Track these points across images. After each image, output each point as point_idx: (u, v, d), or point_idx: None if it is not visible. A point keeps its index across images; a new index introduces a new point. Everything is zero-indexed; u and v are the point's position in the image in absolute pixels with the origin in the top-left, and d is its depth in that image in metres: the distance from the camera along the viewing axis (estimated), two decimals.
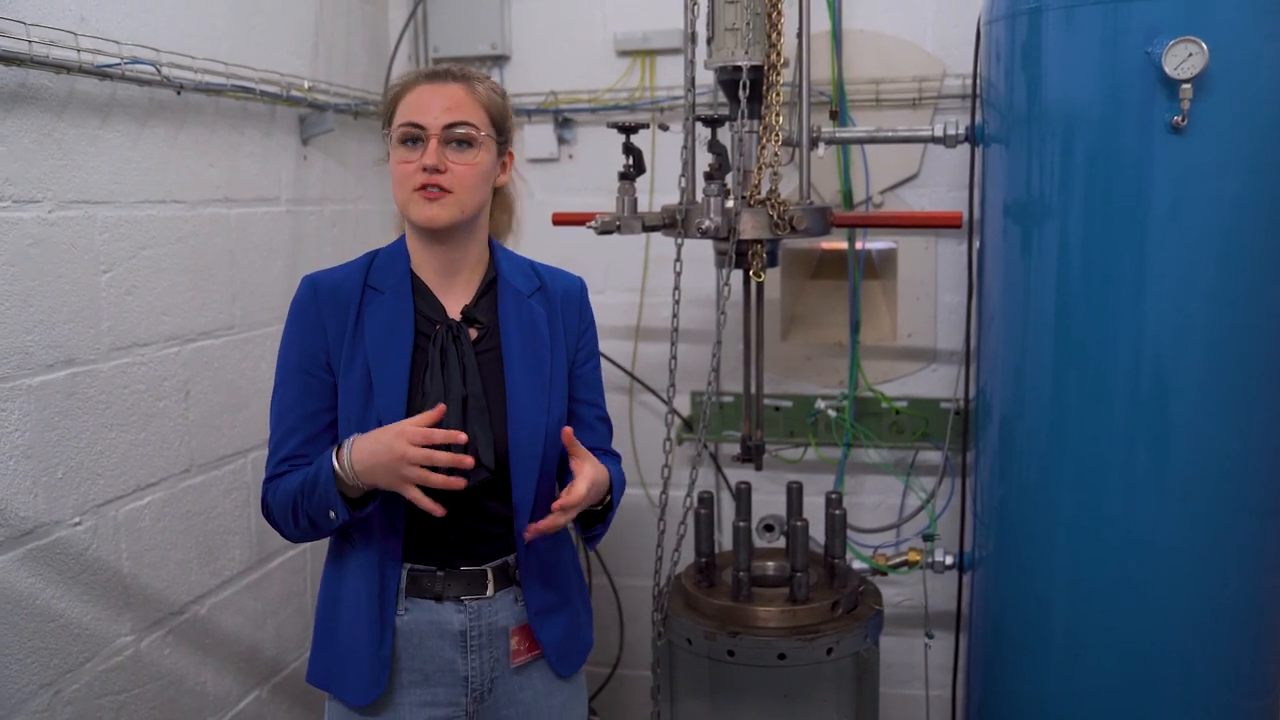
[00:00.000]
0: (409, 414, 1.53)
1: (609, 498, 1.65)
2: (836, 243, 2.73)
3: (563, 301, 1.70)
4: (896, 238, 2.72)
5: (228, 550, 2.26)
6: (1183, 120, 1.80)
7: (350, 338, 1.58)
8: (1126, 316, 1.93)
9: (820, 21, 2.58)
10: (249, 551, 2.33)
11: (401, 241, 1.66)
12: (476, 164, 1.57)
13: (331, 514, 1.51)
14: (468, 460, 1.43)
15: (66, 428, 1.82)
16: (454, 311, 1.63)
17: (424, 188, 1.54)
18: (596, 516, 1.65)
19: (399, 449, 1.41)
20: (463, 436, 1.44)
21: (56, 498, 1.80)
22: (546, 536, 1.64)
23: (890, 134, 2.35)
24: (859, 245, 2.70)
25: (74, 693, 1.83)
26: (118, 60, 1.85)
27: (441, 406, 1.45)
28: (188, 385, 2.12)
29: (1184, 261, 1.89)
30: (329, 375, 1.59)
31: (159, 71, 1.95)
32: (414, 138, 1.55)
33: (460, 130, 1.55)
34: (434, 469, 1.41)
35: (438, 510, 1.45)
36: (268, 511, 1.62)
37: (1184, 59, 1.78)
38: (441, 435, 1.42)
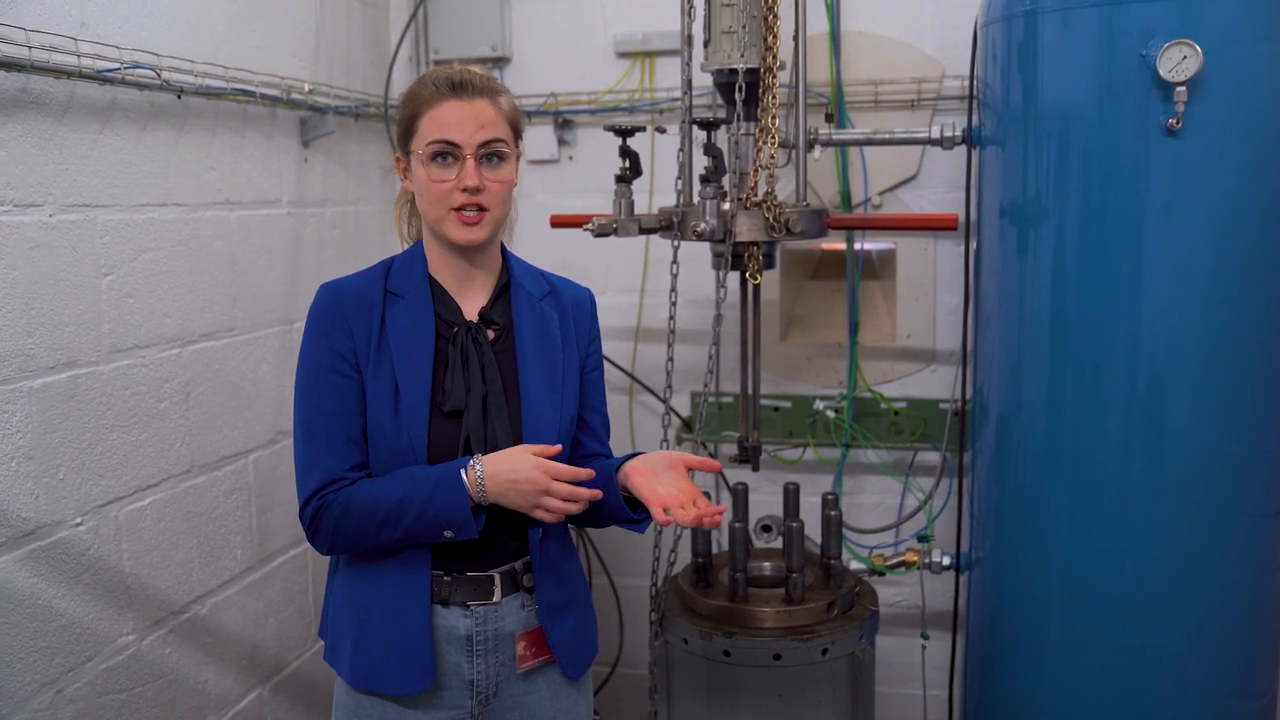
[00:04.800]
0: (432, 414, 1.58)
1: None
2: (836, 243, 2.73)
3: (574, 310, 1.74)
4: (895, 239, 2.72)
5: (229, 550, 2.27)
6: (1177, 123, 1.81)
7: (376, 342, 1.60)
8: (1122, 318, 1.94)
9: (819, 23, 2.59)
10: (250, 551, 2.35)
11: (418, 247, 1.69)
12: (508, 179, 1.61)
13: (449, 533, 1.55)
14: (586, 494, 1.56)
15: (68, 429, 1.83)
16: (470, 314, 1.66)
17: (462, 209, 1.57)
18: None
19: (543, 483, 1.53)
20: (589, 473, 1.56)
21: (58, 498, 1.81)
22: (557, 538, 1.68)
23: (886, 136, 2.35)
24: (858, 246, 2.70)
25: (76, 691, 1.84)
26: (118, 65, 1.87)
27: (558, 447, 1.58)
28: (189, 387, 2.14)
29: (1179, 263, 1.90)
30: (359, 376, 1.60)
31: (159, 76, 1.96)
32: (447, 155, 1.57)
33: (494, 147, 1.58)
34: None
35: (574, 509, 1.56)
36: (317, 525, 1.58)
37: (1178, 61, 1.78)
38: (569, 473, 1.54)
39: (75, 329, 1.85)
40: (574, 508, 1.55)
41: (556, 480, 1.53)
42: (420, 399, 1.59)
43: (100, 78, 1.84)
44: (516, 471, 1.53)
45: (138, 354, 2.00)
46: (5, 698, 1.71)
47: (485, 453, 1.58)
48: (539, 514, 1.56)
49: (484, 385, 1.61)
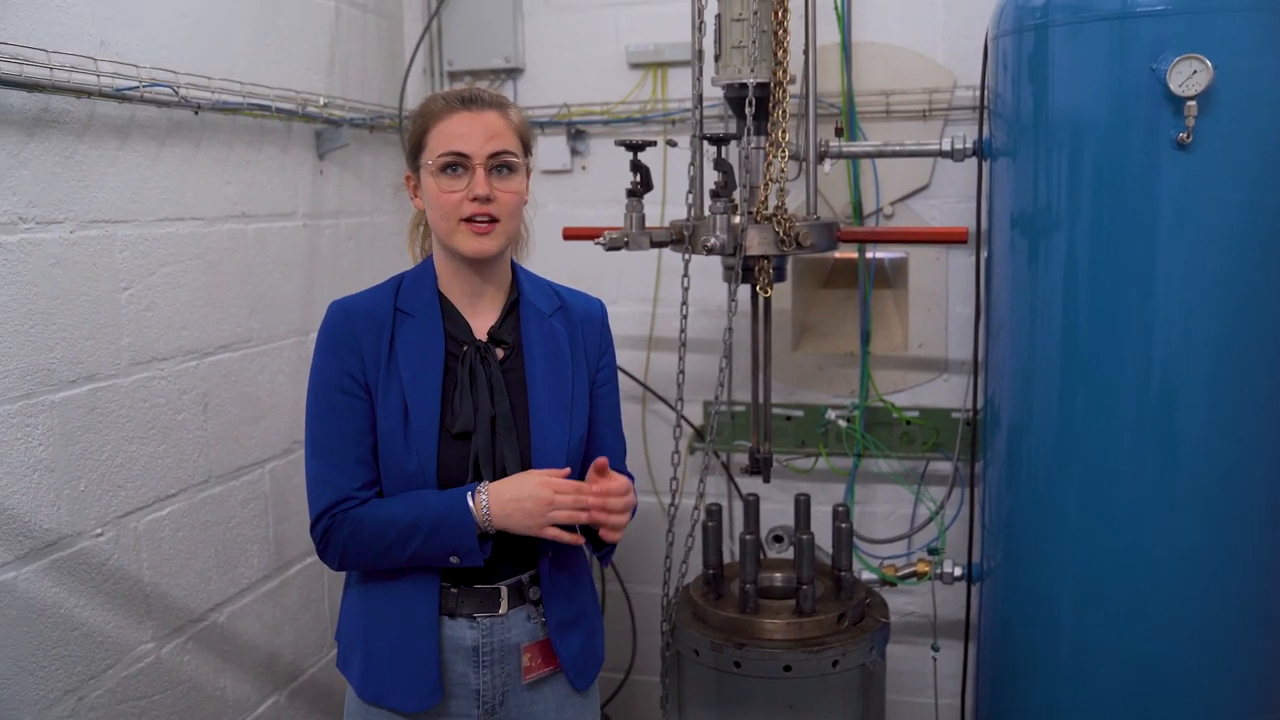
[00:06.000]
0: (441, 436, 1.59)
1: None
2: (848, 252, 2.74)
3: (583, 323, 1.74)
4: (907, 248, 2.72)
5: (246, 559, 2.30)
6: (1188, 137, 1.81)
7: (385, 362, 1.61)
8: (1133, 328, 1.94)
9: (830, 34, 2.60)
10: (267, 560, 2.37)
11: (428, 264, 1.70)
12: (518, 190, 1.62)
13: (454, 559, 1.57)
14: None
15: (88, 442, 1.87)
16: (480, 332, 1.67)
17: (472, 219, 1.58)
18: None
19: (547, 496, 1.55)
20: (591, 488, 1.58)
21: (79, 510, 1.85)
22: (567, 552, 1.68)
23: (896, 148, 2.35)
24: (870, 255, 2.71)
25: (97, 699, 1.88)
26: (137, 83, 1.90)
27: (566, 470, 1.60)
28: (206, 398, 2.17)
29: (1190, 274, 1.90)
30: (368, 396, 1.62)
31: (177, 93, 1.99)
32: (457, 165, 1.58)
33: (503, 158, 1.59)
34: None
35: (578, 539, 1.60)
36: (327, 542, 1.62)
37: (1189, 76, 1.78)
38: (572, 487, 1.57)
39: (95, 343, 1.88)
40: (582, 516, 1.56)
41: (560, 493, 1.55)
42: (429, 420, 1.60)
43: (119, 96, 1.87)
44: (521, 489, 1.55)
45: (156, 366, 2.03)
46: (28, 705, 1.74)
47: (494, 474, 1.59)
48: (550, 532, 1.56)
49: (492, 406, 1.62)
